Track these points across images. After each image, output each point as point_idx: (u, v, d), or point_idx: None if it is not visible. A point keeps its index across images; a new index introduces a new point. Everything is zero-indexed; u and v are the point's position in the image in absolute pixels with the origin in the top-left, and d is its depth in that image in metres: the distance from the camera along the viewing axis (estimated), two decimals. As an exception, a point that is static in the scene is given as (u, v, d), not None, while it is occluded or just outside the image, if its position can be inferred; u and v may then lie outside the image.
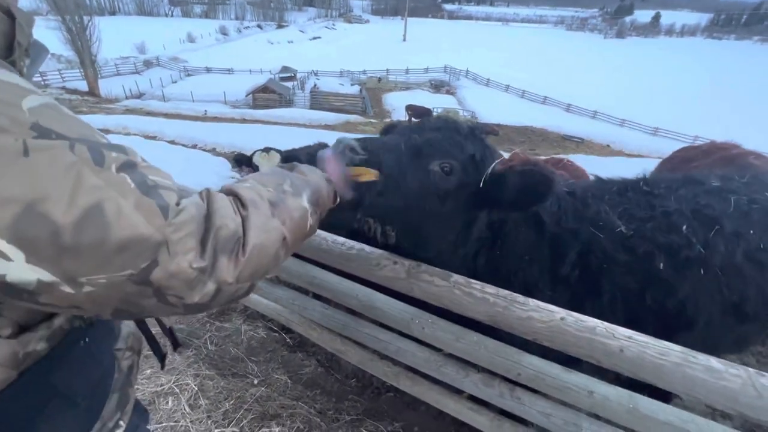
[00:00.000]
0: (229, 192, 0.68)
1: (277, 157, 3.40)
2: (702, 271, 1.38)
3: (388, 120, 28.31)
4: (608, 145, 26.46)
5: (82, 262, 0.47)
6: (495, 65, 51.66)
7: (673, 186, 1.59)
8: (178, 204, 0.56)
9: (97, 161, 0.49)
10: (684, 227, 1.41)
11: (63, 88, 30.13)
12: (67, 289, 0.48)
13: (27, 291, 0.47)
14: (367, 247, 1.32)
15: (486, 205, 1.23)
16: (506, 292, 1.11)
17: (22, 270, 0.45)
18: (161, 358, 0.92)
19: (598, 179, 1.73)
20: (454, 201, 1.18)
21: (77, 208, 0.46)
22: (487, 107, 32.29)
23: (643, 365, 0.93)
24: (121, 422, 0.77)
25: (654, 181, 1.64)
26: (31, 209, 0.44)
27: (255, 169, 3.45)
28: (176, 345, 1.00)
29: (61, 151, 0.47)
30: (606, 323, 1.00)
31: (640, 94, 43.16)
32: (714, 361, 0.89)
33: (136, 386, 1.93)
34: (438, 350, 1.62)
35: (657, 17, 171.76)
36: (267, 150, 3.46)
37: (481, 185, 1.17)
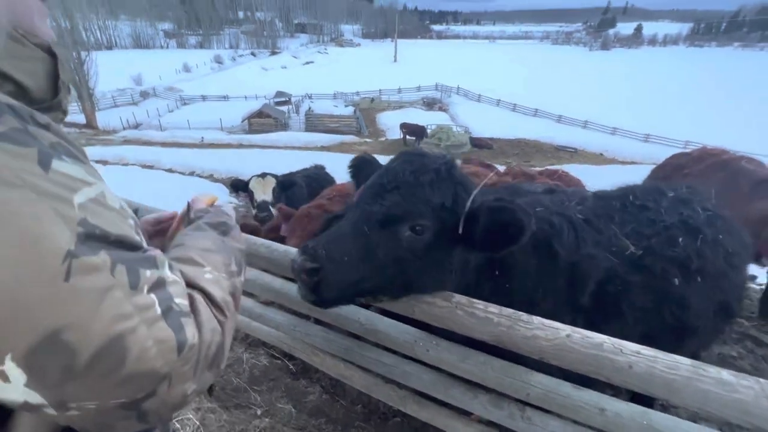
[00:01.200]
0: (194, 285, 0.65)
1: (273, 182, 3.43)
2: (699, 279, 1.41)
3: (374, 143, 28.63)
4: (601, 154, 26.77)
5: (83, 388, 0.46)
6: (485, 81, 52.71)
7: (656, 198, 1.63)
8: (193, 336, 0.56)
9: (133, 284, 0.49)
10: (680, 239, 1.43)
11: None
12: (51, 411, 0.46)
13: (4, 405, 0.45)
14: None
15: (459, 242, 1.16)
16: (510, 310, 1.09)
17: (15, 392, 0.43)
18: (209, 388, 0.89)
19: (596, 196, 1.71)
20: (436, 250, 1.14)
21: (102, 338, 0.45)
22: (480, 122, 32.75)
23: (653, 381, 0.91)
24: None
25: (642, 193, 1.66)
26: (55, 336, 0.42)
27: (251, 194, 3.48)
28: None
29: (101, 276, 0.46)
30: (613, 339, 0.98)
31: (629, 102, 43.97)
32: (725, 374, 0.87)
33: None
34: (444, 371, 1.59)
35: (639, 28, 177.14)
36: (263, 175, 3.49)
37: (461, 230, 1.11)
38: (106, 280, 0.46)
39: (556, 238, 1.33)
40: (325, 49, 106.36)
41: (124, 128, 30.30)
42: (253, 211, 3.38)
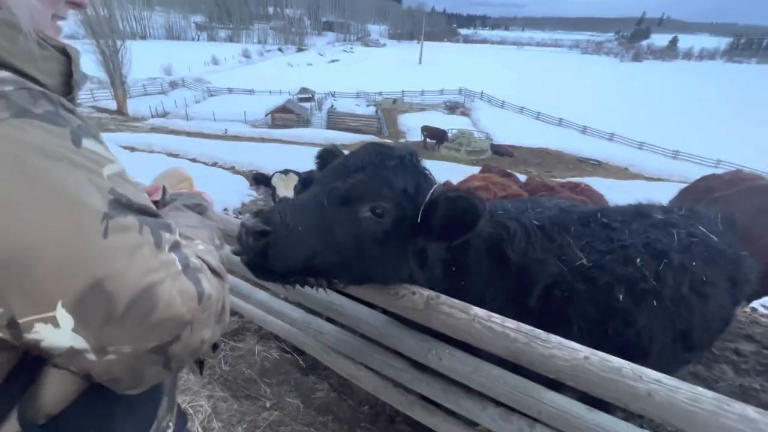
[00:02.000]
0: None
1: (295, 179, 3.47)
2: (654, 302, 1.42)
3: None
4: (626, 168, 26.05)
5: (121, 332, 0.51)
6: (510, 87, 52.10)
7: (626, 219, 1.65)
8: (221, 276, 0.65)
9: (157, 244, 0.56)
10: (638, 260, 1.45)
11: (94, 107, 31.68)
12: (92, 357, 0.51)
13: (50, 354, 0.51)
14: (385, 275, 1.32)
15: (420, 233, 1.16)
16: (528, 327, 1.09)
17: (63, 337, 0.49)
18: (200, 364, 0.94)
19: (561, 208, 1.71)
20: (395, 238, 1.12)
21: (136, 287, 0.51)
22: (502, 128, 32.38)
23: (673, 411, 0.90)
24: (171, 423, 0.81)
25: (612, 213, 1.69)
26: (99, 284, 0.48)
27: (273, 190, 3.54)
28: (215, 347, 1.01)
29: (132, 234, 0.53)
30: (633, 364, 0.97)
31: (659, 117, 42.67)
32: (750, 411, 0.85)
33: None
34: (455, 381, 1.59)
35: (674, 41, 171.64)
36: (286, 172, 3.55)
37: (419, 219, 1.11)
38: (136, 239, 0.53)
39: (507, 242, 1.38)
40: (351, 48, 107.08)
41: (152, 116, 31.22)
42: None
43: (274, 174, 3.57)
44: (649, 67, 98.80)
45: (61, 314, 0.48)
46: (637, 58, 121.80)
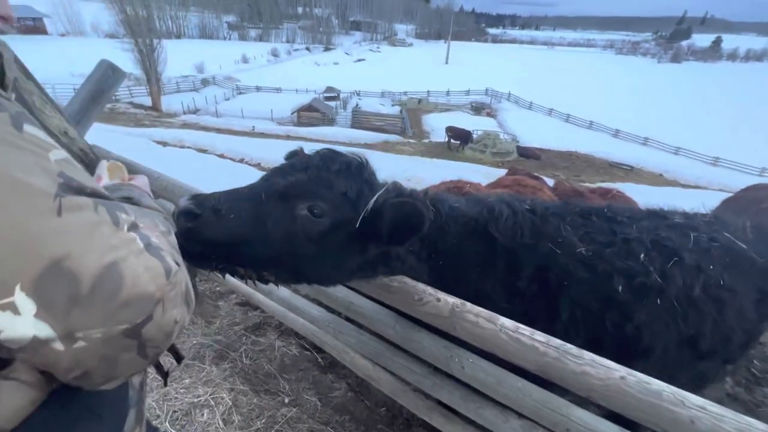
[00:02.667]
0: None
1: None
2: (658, 300, 1.36)
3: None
4: (661, 174, 24.91)
5: (89, 314, 0.49)
6: (538, 88, 50.80)
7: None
8: (178, 264, 0.62)
9: (114, 221, 0.55)
10: (642, 255, 1.39)
11: (131, 102, 33.18)
12: (59, 346, 0.48)
13: (10, 348, 0.47)
14: (409, 280, 1.30)
15: (368, 240, 1.16)
16: (558, 341, 1.04)
17: (25, 325, 0.46)
18: (164, 375, 0.93)
19: (564, 201, 1.67)
20: (333, 241, 1.12)
21: (99, 265, 0.49)
22: (529, 131, 31.63)
23: (719, 442, 0.83)
24: None
25: (621, 210, 1.62)
26: (58, 265, 0.46)
27: None
28: (179, 359, 1.01)
29: (88, 213, 0.52)
30: (674, 388, 0.90)
31: (698, 121, 40.55)
32: (807, 447, 0.77)
33: (175, 396, 1.97)
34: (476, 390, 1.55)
35: (718, 41, 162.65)
36: None
37: (357, 224, 1.11)
38: (92, 217, 0.52)
39: (492, 223, 1.37)
40: (378, 47, 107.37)
41: (184, 112, 32.37)
42: None
43: None
44: (689, 69, 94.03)
45: (21, 299, 0.45)
46: (676, 59, 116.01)
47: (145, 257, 0.56)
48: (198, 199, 1.00)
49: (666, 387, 0.91)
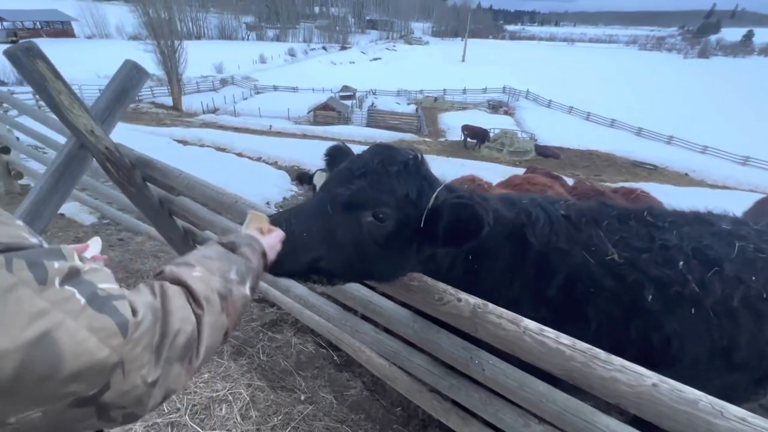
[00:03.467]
0: (179, 281, 0.64)
1: None
2: (693, 310, 1.31)
3: (441, 137, 28.23)
4: (687, 174, 24.01)
5: (19, 400, 0.40)
6: (558, 86, 49.70)
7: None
8: (135, 314, 0.51)
9: (39, 277, 0.44)
10: (680, 263, 1.34)
11: (152, 102, 34.06)
12: None
13: None
14: (429, 279, 1.28)
15: (426, 239, 1.17)
16: (585, 345, 1.00)
17: None
18: None
19: (601, 203, 1.61)
20: (397, 241, 1.15)
21: (22, 342, 0.39)
22: (548, 129, 30.98)
23: (761, 456, 0.78)
24: None
25: (661, 215, 1.57)
26: None
27: (314, 187, 3.60)
28: None
29: None
30: (711, 397, 0.85)
31: (727, 118, 38.93)
32: None
33: (195, 390, 1.99)
34: (495, 392, 1.51)
35: (749, 35, 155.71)
36: (326, 170, 3.59)
37: (422, 224, 1.12)
38: (5, 278, 0.41)
39: (529, 228, 1.36)
40: (394, 46, 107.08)
41: (203, 112, 33.03)
42: None
43: (316, 171, 3.63)
44: (718, 64, 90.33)
45: None
46: (703, 54, 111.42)
47: (88, 316, 0.45)
48: (274, 223, 1.05)
49: (702, 396, 0.86)
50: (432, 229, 1.13)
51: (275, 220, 1.07)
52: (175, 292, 0.60)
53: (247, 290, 0.74)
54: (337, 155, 1.46)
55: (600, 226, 1.43)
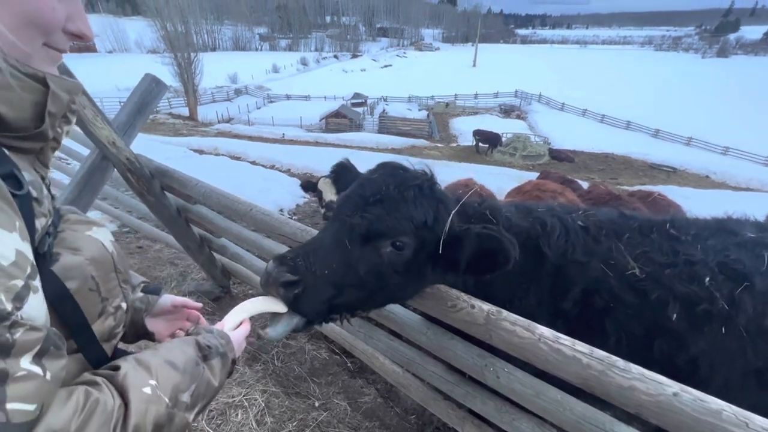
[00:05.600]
0: (122, 394, 0.60)
1: None
2: (723, 329, 1.24)
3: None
4: (707, 176, 23.33)
5: None
6: (571, 89, 49.15)
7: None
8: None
9: None
10: (707, 279, 1.28)
11: (170, 113, 35.04)
12: None
13: None
14: (442, 286, 1.28)
15: (446, 265, 1.16)
16: (603, 353, 0.98)
17: None
18: None
19: (622, 214, 1.54)
20: (415, 265, 1.14)
21: None
22: (562, 132, 30.60)
23: (791, 470, 0.75)
24: None
25: (685, 226, 1.50)
26: None
27: (319, 194, 3.62)
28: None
29: None
30: (735, 408, 0.83)
31: (749, 118, 37.74)
32: None
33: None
34: (512, 401, 1.49)
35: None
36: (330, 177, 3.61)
37: (440, 250, 1.11)
38: None
39: (543, 239, 1.33)
40: (404, 53, 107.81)
41: (218, 121, 33.78)
42: (322, 210, 3.54)
43: (320, 179, 3.66)
44: (738, 63, 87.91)
45: None
46: (722, 53, 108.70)
47: None
48: (288, 264, 1.03)
49: (726, 406, 0.83)
50: (452, 256, 1.11)
51: (287, 259, 1.04)
52: (101, 416, 0.54)
53: (191, 416, 0.68)
54: (342, 172, 1.47)
55: (621, 239, 1.39)
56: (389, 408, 2.52)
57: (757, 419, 0.81)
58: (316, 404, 2.36)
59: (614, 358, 0.97)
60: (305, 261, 1.04)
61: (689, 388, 0.89)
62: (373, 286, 1.12)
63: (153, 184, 2.42)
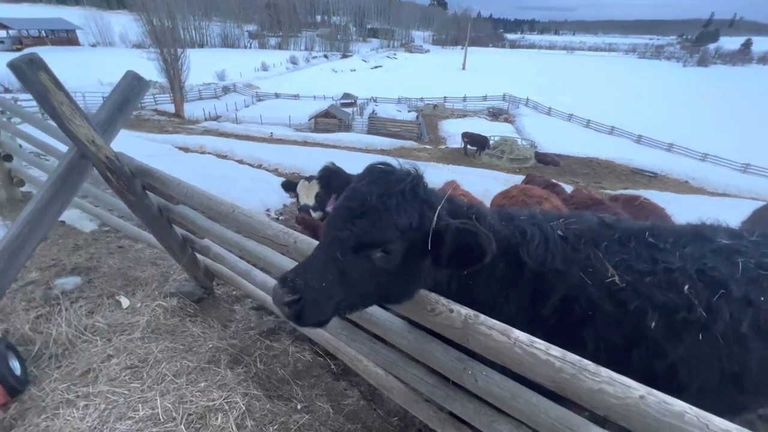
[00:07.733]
0: None
1: (317, 188, 3.52)
2: (700, 336, 1.30)
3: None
4: (687, 181, 24.04)
5: None
6: (558, 93, 50.01)
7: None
8: None
9: None
10: (686, 287, 1.33)
11: (155, 110, 34.37)
12: None
13: None
14: (422, 290, 1.29)
15: (433, 263, 1.22)
16: (575, 357, 1.01)
17: None
18: None
19: (602, 223, 1.58)
20: (409, 263, 1.21)
21: None
22: (548, 136, 31.11)
23: (747, 470, 0.78)
24: None
25: (663, 234, 1.54)
26: None
27: (297, 196, 3.61)
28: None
29: None
30: (697, 410, 0.86)
31: (726, 126, 39.04)
32: None
33: (190, 399, 1.98)
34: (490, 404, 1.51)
35: (748, 44, 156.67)
36: (310, 179, 3.60)
37: (429, 246, 1.17)
38: None
39: (523, 246, 1.37)
40: (395, 54, 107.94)
41: (205, 119, 33.25)
42: (298, 213, 3.56)
43: (300, 181, 3.65)
44: (717, 72, 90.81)
45: None
46: (702, 62, 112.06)
47: None
48: (289, 284, 1.13)
49: (688, 408, 0.87)
50: (437, 251, 1.16)
51: (287, 281, 1.14)
52: None
53: None
54: (330, 177, 1.50)
55: (599, 248, 1.42)
56: (372, 410, 2.52)
57: (717, 420, 0.85)
58: (299, 407, 2.35)
59: (585, 361, 1.00)
60: (304, 278, 1.14)
61: (655, 391, 0.92)
62: (367, 288, 1.21)
63: (134, 184, 2.37)
